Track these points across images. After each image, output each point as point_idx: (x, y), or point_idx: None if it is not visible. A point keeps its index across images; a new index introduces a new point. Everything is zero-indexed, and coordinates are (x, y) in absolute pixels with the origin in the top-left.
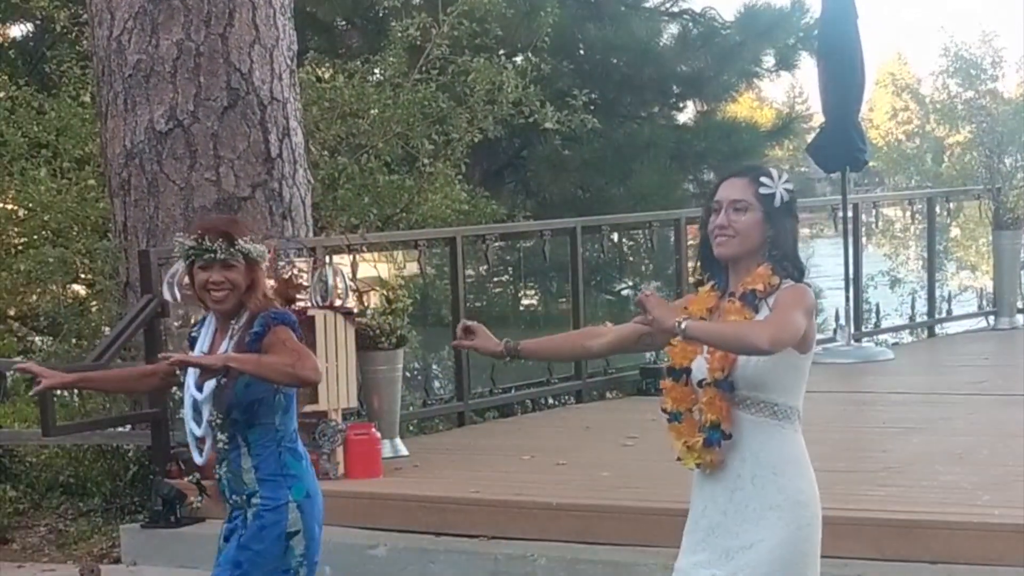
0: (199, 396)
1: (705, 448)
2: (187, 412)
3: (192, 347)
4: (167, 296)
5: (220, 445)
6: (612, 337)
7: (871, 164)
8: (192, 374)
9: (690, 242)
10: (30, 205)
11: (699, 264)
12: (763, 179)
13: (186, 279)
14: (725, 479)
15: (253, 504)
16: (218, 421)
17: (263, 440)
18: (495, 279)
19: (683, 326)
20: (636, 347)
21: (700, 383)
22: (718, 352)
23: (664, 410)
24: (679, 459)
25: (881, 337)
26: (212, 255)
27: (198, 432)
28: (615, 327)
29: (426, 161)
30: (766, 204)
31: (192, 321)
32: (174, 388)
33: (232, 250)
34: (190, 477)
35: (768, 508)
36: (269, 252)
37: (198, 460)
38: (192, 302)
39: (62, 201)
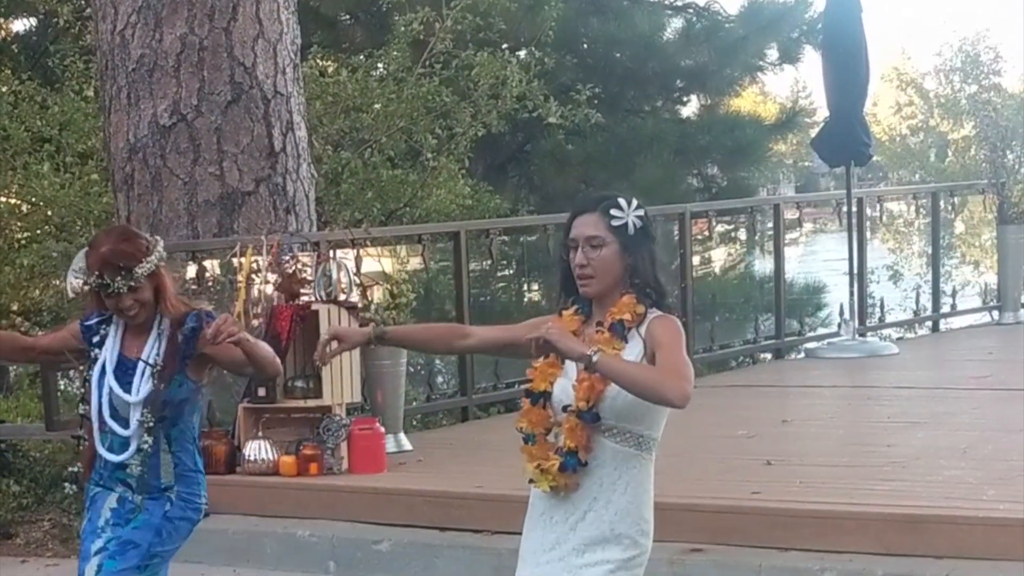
0: (132, 398)
1: (560, 473)
2: (102, 412)
3: (99, 345)
4: (70, 291)
5: (143, 446)
6: (476, 341)
7: (875, 159)
8: (109, 374)
9: (694, 236)
10: (33, 200)
11: (562, 293)
12: (613, 211)
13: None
14: (581, 500)
15: (169, 495)
16: (149, 423)
17: (183, 438)
18: (499, 274)
19: (595, 359)
20: (501, 354)
21: (565, 408)
22: (586, 382)
23: (519, 430)
24: (531, 481)
25: (885, 332)
26: (117, 290)
27: (124, 433)
28: (483, 330)
29: (430, 156)
30: (620, 235)
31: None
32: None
33: (133, 279)
34: (74, 468)
35: (618, 535)
36: (273, 247)
37: (115, 459)
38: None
39: (65, 196)
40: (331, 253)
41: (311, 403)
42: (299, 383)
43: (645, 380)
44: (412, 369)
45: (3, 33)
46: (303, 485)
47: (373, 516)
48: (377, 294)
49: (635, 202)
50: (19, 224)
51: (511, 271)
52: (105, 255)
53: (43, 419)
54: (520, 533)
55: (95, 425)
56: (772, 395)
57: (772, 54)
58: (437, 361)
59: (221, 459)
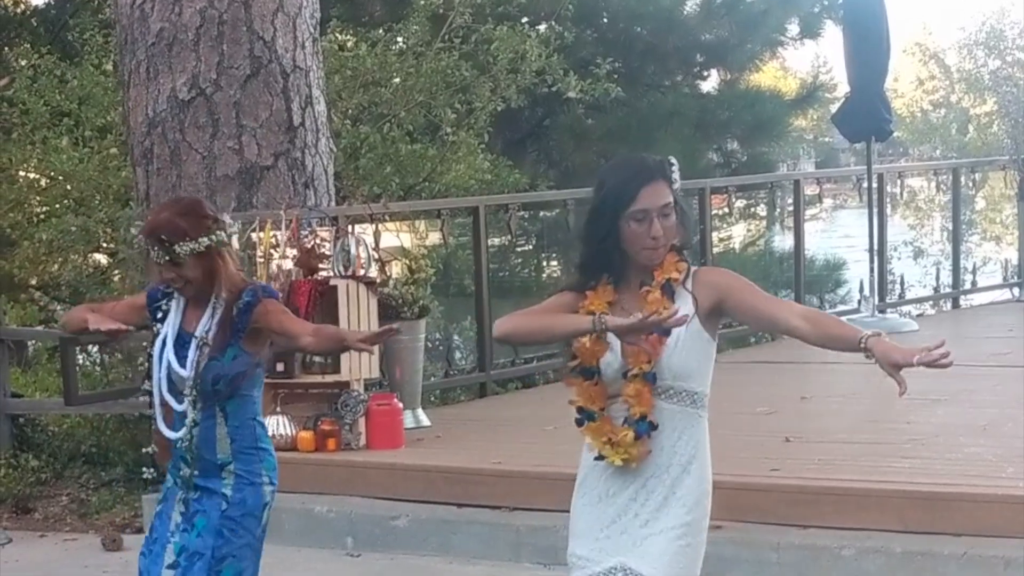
0: (184, 372)
1: (635, 442)
2: (160, 385)
3: (162, 320)
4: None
5: (196, 419)
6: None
7: (896, 134)
8: (169, 348)
9: (714, 212)
10: (52, 174)
11: (587, 271)
12: (674, 175)
13: None
14: (642, 468)
15: (226, 475)
16: (200, 397)
17: (240, 411)
18: (518, 249)
19: (865, 343)
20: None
21: (625, 375)
22: (643, 343)
23: (579, 410)
24: (601, 457)
25: (905, 309)
26: (156, 260)
27: (178, 408)
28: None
29: (449, 130)
30: (677, 197)
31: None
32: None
33: (172, 256)
34: (148, 449)
35: (681, 497)
36: (292, 222)
37: (172, 435)
38: None
39: (84, 170)
40: (350, 228)
41: (329, 378)
42: (317, 358)
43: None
44: (430, 345)
45: (22, 7)
46: (321, 461)
47: (391, 492)
48: (396, 269)
49: (671, 157)
50: (38, 198)
51: (530, 246)
52: (153, 224)
53: (61, 394)
54: (536, 510)
55: (156, 401)
56: (791, 372)
57: (793, 29)
58: (456, 337)
59: None
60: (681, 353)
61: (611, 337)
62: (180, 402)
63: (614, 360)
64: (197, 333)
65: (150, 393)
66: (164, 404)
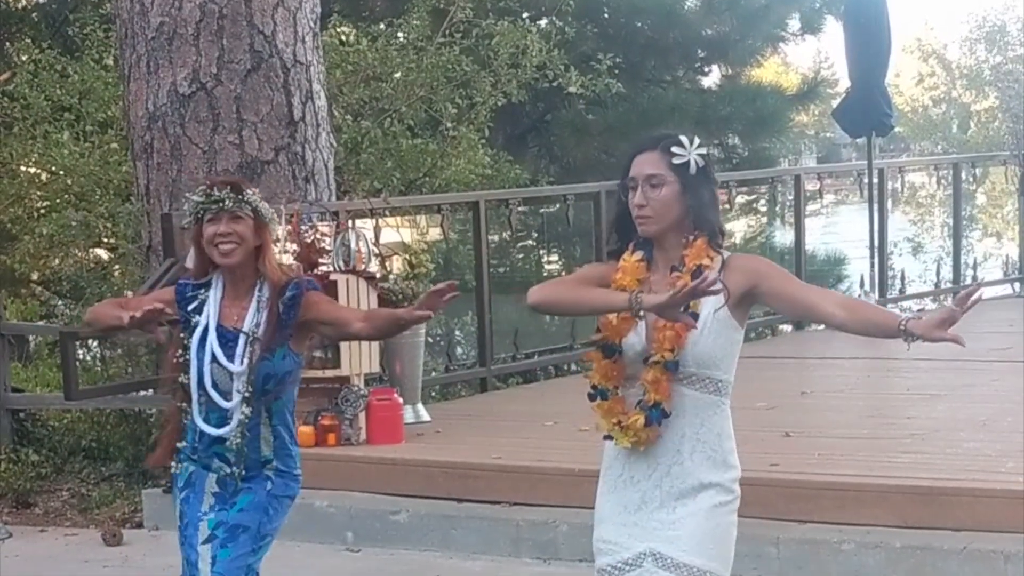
0: (236, 368)
1: (645, 427)
2: (203, 381)
3: (197, 311)
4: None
5: (242, 418)
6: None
7: (897, 130)
8: (212, 341)
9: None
10: (53, 168)
11: (614, 235)
12: (674, 149)
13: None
14: (662, 454)
15: (268, 469)
16: (247, 395)
17: (283, 411)
18: (518, 244)
19: (905, 325)
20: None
21: (646, 360)
22: (669, 330)
23: (593, 386)
24: (610, 438)
25: (906, 304)
26: (219, 204)
27: (227, 405)
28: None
29: (449, 125)
30: (681, 174)
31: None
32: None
33: (239, 199)
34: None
35: (707, 483)
36: (292, 216)
37: (215, 433)
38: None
39: (85, 164)
40: (350, 223)
41: (329, 373)
42: (317, 353)
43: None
44: (431, 340)
45: (24, 2)
46: (321, 455)
47: (391, 487)
48: (396, 264)
49: (697, 140)
50: (39, 193)
51: (531, 241)
52: (221, 177)
53: (62, 389)
54: (536, 505)
55: (194, 396)
56: (791, 367)
57: (794, 24)
58: (457, 332)
59: None
60: (707, 340)
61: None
62: (227, 399)
63: (637, 342)
64: (245, 328)
65: (184, 387)
66: (202, 399)
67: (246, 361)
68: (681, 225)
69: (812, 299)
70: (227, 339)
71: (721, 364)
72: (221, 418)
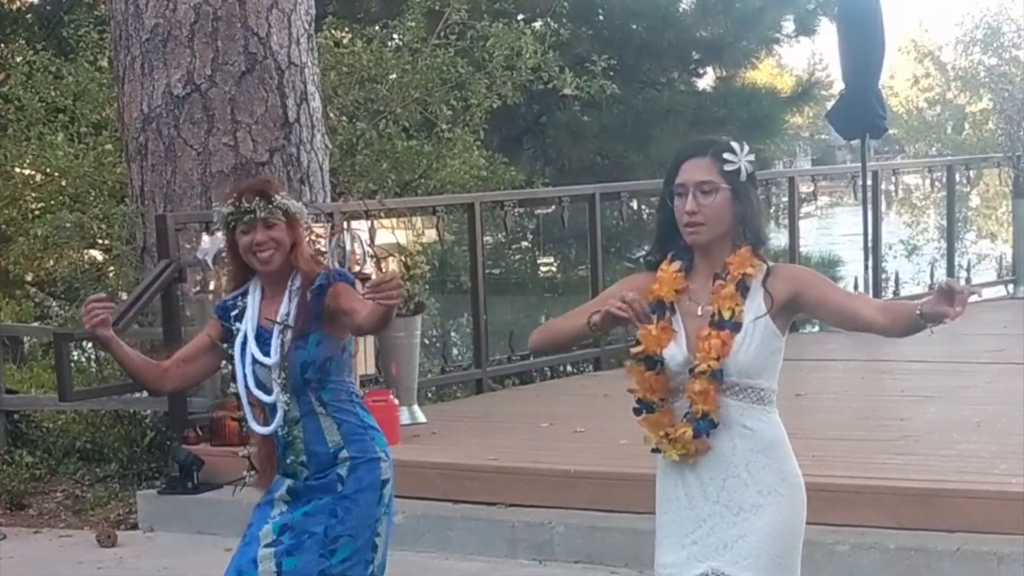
0: (268, 360)
1: (693, 439)
2: (247, 380)
3: (238, 319)
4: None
5: (286, 409)
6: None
7: (891, 132)
8: (251, 342)
9: None
10: (47, 170)
11: (656, 246)
12: (727, 155)
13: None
14: (714, 468)
15: (342, 460)
16: (290, 386)
17: (339, 398)
18: (513, 246)
19: (921, 310)
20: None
21: (692, 371)
22: (715, 339)
23: (638, 400)
24: (658, 450)
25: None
26: (252, 215)
27: (268, 399)
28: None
29: (445, 127)
30: (732, 181)
31: (214, 288)
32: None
33: (271, 207)
34: (242, 452)
35: (767, 494)
36: None
37: (264, 431)
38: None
39: (79, 166)
40: (345, 224)
41: None
42: None
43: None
44: (427, 341)
45: (18, 3)
46: None
47: None
48: (391, 266)
49: (747, 147)
50: (33, 195)
51: (526, 243)
52: (246, 183)
53: (56, 390)
54: (532, 506)
55: (244, 400)
56: (785, 368)
57: (788, 26)
58: (452, 333)
59: (235, 431)
60: (749, 350)
61: (678, 326)
62: (269, 393)
63: (678, 352)
64: (278, 319)
65: (237, 396)
66: (254, 402)
67: (280, 350)
68: (729, 233)
69: (855, 307)
70: (264, 337)
71: (763, 373)
72: (271, 415)
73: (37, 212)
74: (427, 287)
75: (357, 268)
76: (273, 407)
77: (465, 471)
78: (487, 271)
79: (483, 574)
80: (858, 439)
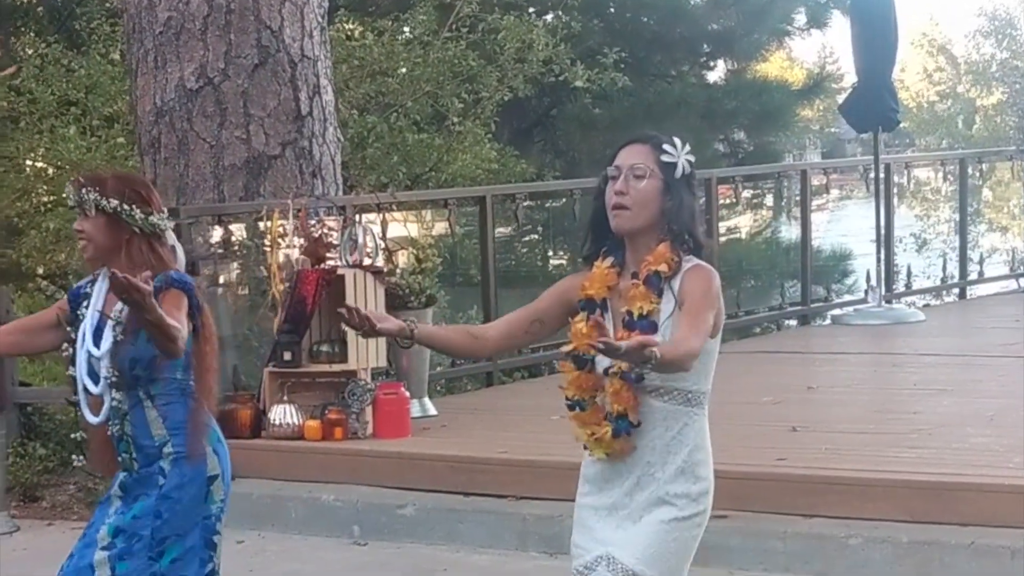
0: (96, 352)
1: (614, 439)
2: (80, 369)
3: (86, 303)
4: None
5: (115, 403)
6: (494, 338)
7: (903, 125)
8: (90, 327)
9: (720, 201)
10: (59, 163)
11: (589, 237)
12: (666, 147)
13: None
14: (635, 465)
15: (166, 455)
16: (114, 379)
17: (167, 391)
18: (524, 239)
19: (658, 356)
20: (527, 339)
21: (606, 371)
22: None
23: (567, 397)
24: (586, 448)
25: (912, 299)
26: (71, 205)
27: (95, 390)
28: (497, 324)
29: (455, 120)
30: (666, 173)
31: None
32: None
33: (81, 197)
34: (75, 435)
35: (675, 495)
36: (299, 211)
37: (92, 420)
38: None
39: (91, 159)
40: (357, 217)
41: (336, 367)
42: (324, 347)
43: (683, 356)
44: None
45: None
46: (328, 449)
47: (397, 481)
48: (403, 259)
49: (688, 147)
50: (45, 187)
51: (537, 236)
52: (88, 176)
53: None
54: (542, 499)
55: (80, 386)
56: (798, 361)
57: (800, 19)
58: None
59: (246, 423)
60: None
61: (609, 324)
62: (96, 383)
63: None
64: (112, 315)
65: (74, 380)
66: (87, 389)
67: (108, 344)
68: (655, 227)
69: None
70: (101, 328)
71: (689, 375)
72: (99, 405)
73: (49, 205)
74: (438, 280)
75: (368, 261)
76: (101, 399)
77: (475, 464)
78: (497, 264)
79: (493, 567)
80: (870, 432)
